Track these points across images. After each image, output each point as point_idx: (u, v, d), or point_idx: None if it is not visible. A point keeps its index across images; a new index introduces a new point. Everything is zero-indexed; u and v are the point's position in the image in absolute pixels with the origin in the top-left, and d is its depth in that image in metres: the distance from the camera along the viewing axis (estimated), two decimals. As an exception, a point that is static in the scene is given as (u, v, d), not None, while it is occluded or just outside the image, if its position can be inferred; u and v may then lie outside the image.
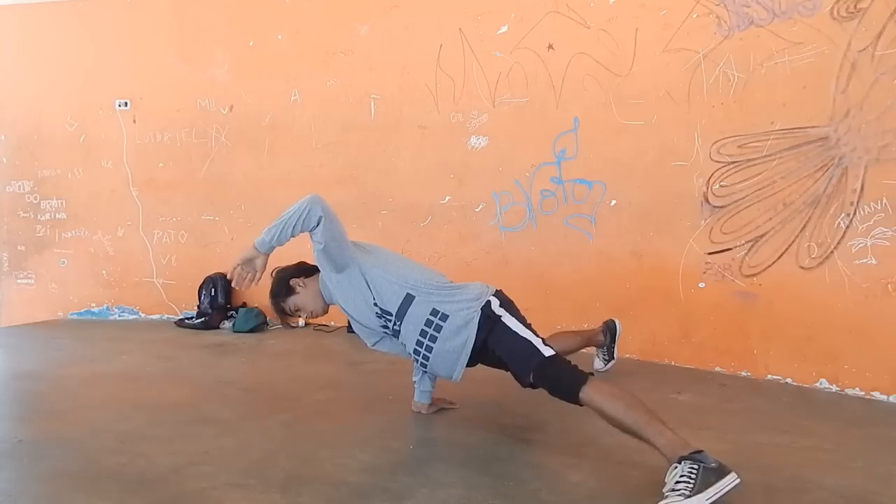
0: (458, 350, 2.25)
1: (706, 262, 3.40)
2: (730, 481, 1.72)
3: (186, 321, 4.73)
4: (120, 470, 2.03)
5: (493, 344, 2.23)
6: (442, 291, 2.28)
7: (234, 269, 2.24)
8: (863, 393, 2.94)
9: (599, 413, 1.97)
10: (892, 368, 2.87)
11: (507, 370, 2.27)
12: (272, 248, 2.23)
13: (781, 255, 3.17)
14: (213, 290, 4.73)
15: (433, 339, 2.26)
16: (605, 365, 3.21)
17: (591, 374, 2.06)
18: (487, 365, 2.39)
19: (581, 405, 2.01)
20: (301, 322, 4.64)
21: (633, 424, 1.89)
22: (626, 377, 3.19)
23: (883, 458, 2.16)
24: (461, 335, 2.23)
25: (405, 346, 2.36)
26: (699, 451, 1.77)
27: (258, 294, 4.78)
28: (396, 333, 2.35)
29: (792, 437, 2.35)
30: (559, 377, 2.08)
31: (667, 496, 1.71)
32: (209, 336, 4.35)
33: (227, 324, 4.61)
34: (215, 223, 4.91)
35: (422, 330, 2.26)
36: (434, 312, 2.25)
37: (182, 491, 1.88)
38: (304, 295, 2.47)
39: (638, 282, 3.64)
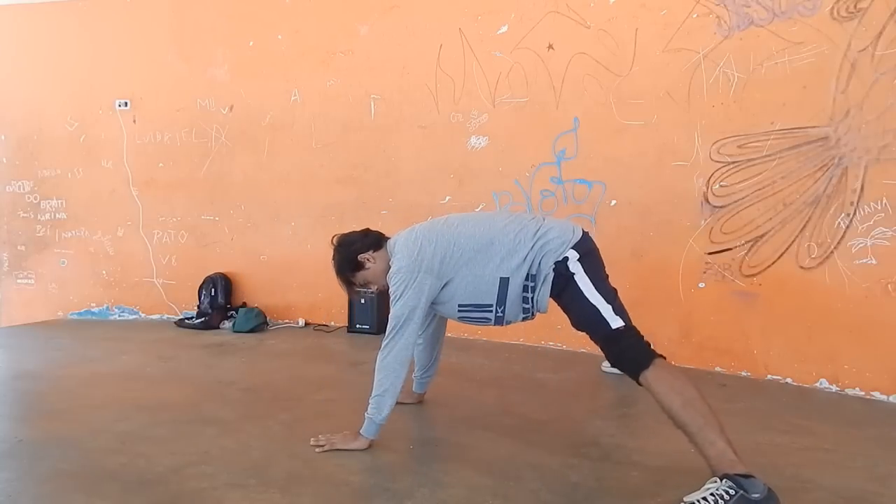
0: (546, 293, 2.12)
1: (706, 262, 3.40)
2: None
3: (186, 321, 4.73)
4: (120, 470, 2.03)
5: (565, 303, 2.11)
6: (528, 254, 2.09)
7: (328, 446, 2.19)
8: (863, 393, 2.94)
9: (656, 400, 1.87)
10: (892, 368, 2.87)
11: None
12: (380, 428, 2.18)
13: (781, 255, 3.17)
14: (213, 290, 4.73)
15: (531, 300, 2.12)
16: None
17: (661, 356, 1.94)
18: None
19: (640, 385, 1.93)
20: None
21: (684, 425, 1.80)
22: (626, 377, 3.19)
23: (883, 458, 2.17)
24: (546, 284, 2.10)
25: (510, 322, 2.22)
26: (748, 476, 1.66)
27: (258, 294, 4.80)
28: (500, 320, 2.19)
29: (792, 437, 2.35)
30: (624, 354, 1.97)
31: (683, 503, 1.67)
32: (209, 336, 4.35)
33: (227, 324, 4.60)
34: (215, 223, 4.91)
35: (523, 297, 2.12)
36: (527, 276, 2.10)
37: (182, 491, 1.88)
38: (374, 270, 2.31)
39: (638, 282, 3.63)
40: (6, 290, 5.32)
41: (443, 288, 2.19)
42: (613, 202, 3.72)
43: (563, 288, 2.08)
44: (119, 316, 5.08)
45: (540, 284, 2.10)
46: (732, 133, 3.30)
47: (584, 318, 2.04)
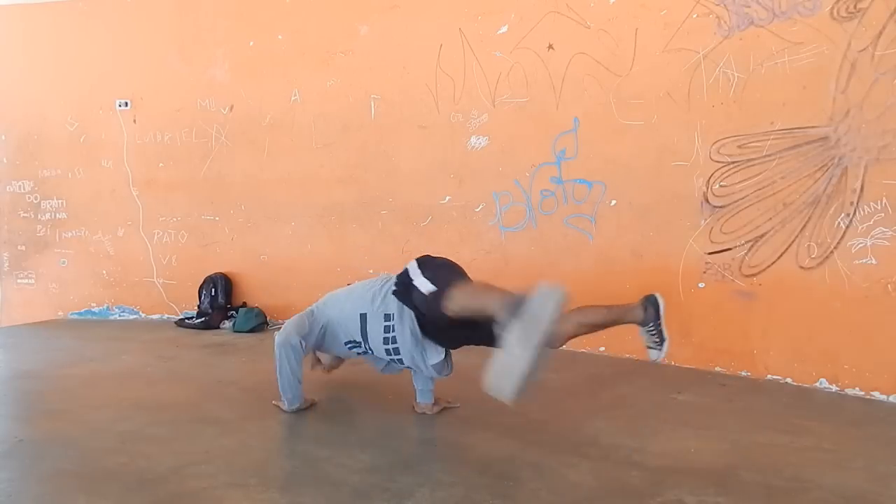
0: (414, 333, 2.38)
1: (706, 262, 3.40)
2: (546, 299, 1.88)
3: (187, 321, 4.73)
4: (120, 470, 2.03)
5: (418, 305, 2.33)
6: (380, 294, 2.43)
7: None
8: (862, 393, 2.94)
9: (460, 308, 2.11)
10: (892, 368, 2.87)
11: (485, 340, 2.29)
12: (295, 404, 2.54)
13: (781, 255, 3.17)
14: (213, 289, 4.73)
15: (394, 340, 2.40)
16: (661, 349, 2.46)
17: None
18: (472, 337, 2.46)
19: (450, 314, 2.14)
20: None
21: (480, 306, 2.04)
22: (626, 377, 3.20)
23: (883, 458, 2.16)
24: (405, 318, 2.38)
25: (381, 358, 2.55)
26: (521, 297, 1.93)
27: (258, 294, 4.80)
28: (371, 354, 2.54)
29: (792, 437, 2.35)
30: (423, 300, 2.25)
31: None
32: (209, 336, 4.35)
33: (227, 324, 4.60)
34: (215, 223, 4.91)
35: (384, 337, 2.41)
36: (386, 317, 2.40)
37: (182, 491, 1.88)
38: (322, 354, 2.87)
39: (638, 282, 3.62)
40: (6, 290, 5.32)
41: (325, 333, 2.57)
42: (613, 202, 3.72)
43: (409, 294, 2.33)
44: (119, 316, 5.08)
45: (397, 320, 2.38)
46: (732, 133, 3.30)
47: (420, 298, 2.27)
